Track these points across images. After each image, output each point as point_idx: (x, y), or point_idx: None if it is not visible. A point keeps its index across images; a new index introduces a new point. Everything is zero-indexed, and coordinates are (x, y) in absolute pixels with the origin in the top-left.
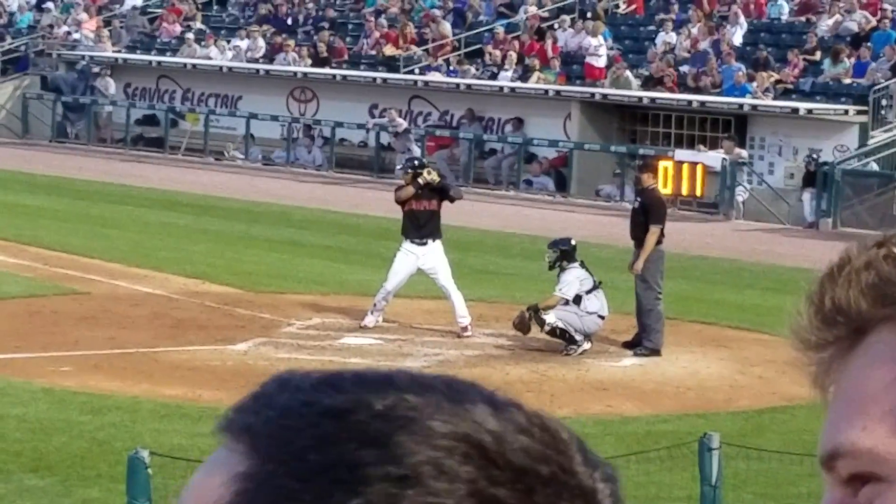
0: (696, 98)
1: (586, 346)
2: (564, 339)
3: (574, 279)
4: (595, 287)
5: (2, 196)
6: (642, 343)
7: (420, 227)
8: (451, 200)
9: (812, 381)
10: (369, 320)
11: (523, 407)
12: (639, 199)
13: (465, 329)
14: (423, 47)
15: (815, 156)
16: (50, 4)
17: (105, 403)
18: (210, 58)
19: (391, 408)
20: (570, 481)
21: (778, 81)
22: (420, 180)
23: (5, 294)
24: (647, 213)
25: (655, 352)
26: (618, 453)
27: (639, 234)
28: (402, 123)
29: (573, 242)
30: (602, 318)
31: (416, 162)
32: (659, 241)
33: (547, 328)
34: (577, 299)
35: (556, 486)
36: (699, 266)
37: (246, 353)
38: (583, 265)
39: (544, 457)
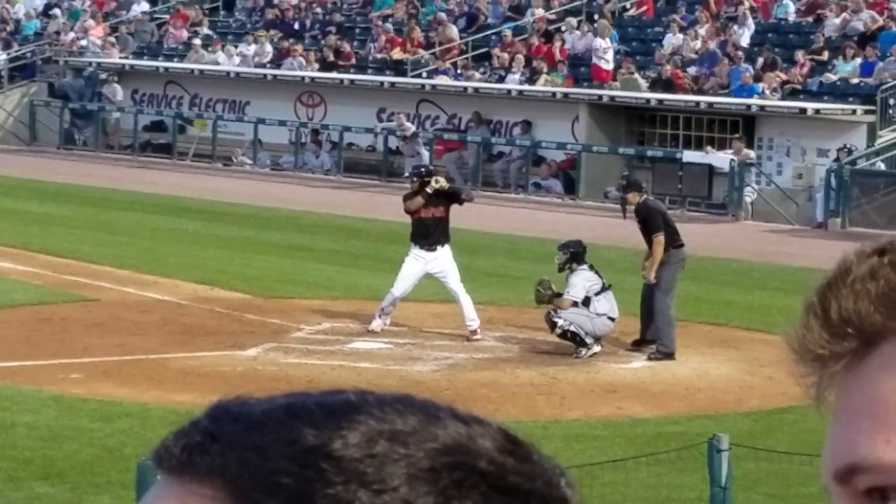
0: (703, 99)
1: (596, 348)
2: (575, 341)
3: (582, 281)
4: (604, 289)
5: (10, 203)
6: (655, 345)
7: (429, 234)
8: (462, 203)
9: (812, 393)
10: (376, 324)
11: (484, 419)
12: (636, 218)
13: (474, 333)
14: (431, 51)
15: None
16: (57, 11)
17: (115, 410)
18: (217, 63)
19: (374, 440)
20: (553, 494)
21: (785, 82)
22: (429, 189)
23: (15, 302)
24: (647, 226)
25: (669, 356)
26: (628, 455)
27: (649, 243)
28: (411, 127)
29: (583, 245)
30: (612, 319)
31: (423, 170)
32: (679, 245)
33: (558, 331)
34: (586, 301)
35: (546, 501)
36: (708, 267)
37: (255, 359)
38: (592, 268)
39: (530, 474)
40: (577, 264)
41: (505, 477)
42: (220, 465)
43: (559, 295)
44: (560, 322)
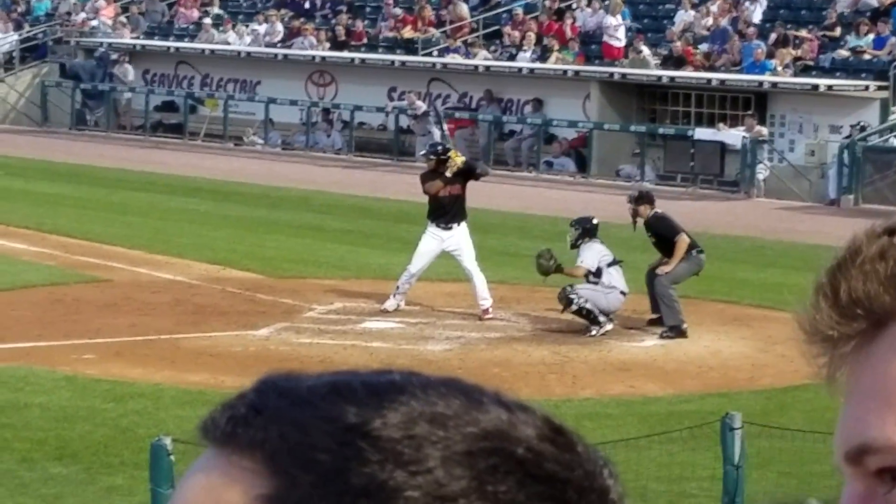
0: (715, 76)
1: (608, 326)
2: (589, 319)
3: (594, 253)
4: (614, 262)
5: (22, 184)
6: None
7: (445, 212)
8: (478, 178)
9: (822, 373)
10: (390, 303)
11: (529, 407)
12: (649, 233)
13: (486, 311)
14: (442, 29)
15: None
16: None
17: (128, 391)
18: (228, 43)
19: (416, 423)
20: (593, 484)
21: (797, 58)
22: (448, 173)
23: (27, 282)
24: (664, 236)
25: (681, 332)
26: (641, 433)
27: (665, 252)
28: (422, 106)
29: (595, 221)
30: (623, 294)
31: (439, 148)
32: (701, 251)
33: (574, 307)
34: (598, 272)
35: (585, 491)
36: (720, 245)
37: (268, 339)
38: (602, 242)
39: (570, 463)
40: (588, 239)
41: (542, 464)
42: (261, 439)
43: (560, 268)
44: (575, 299)
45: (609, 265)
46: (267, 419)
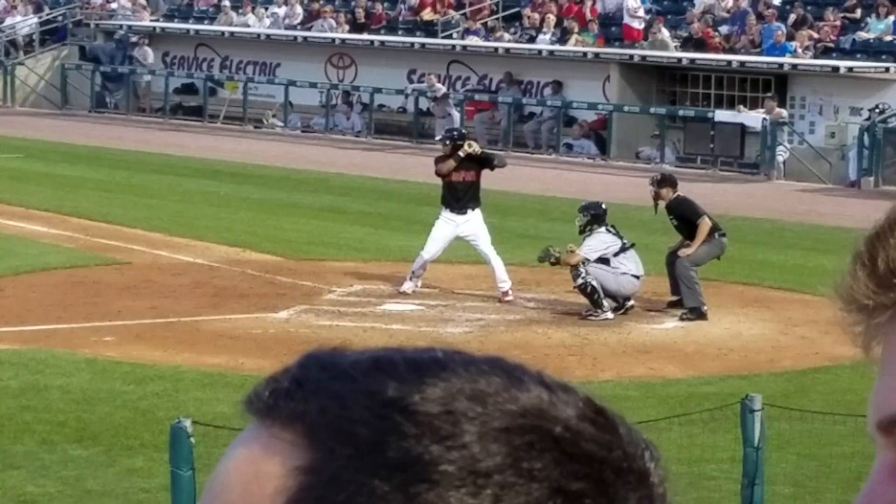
0: (735, 58)
1: (609, 315)
2: (592, 299)
3: (598, 243)
4: (624, 249)
5: (43, 167)
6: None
7: (459, 198)
8: (493, 168)
9: (858, 342)
10: (407, 286)
11: (572, 387)
12: (671, 216)
13: (505, 294)
14: (461, 11)
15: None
16: None
17: (148, 373)
18: (248, 25)
19: (456, 399)
20: (631, 466)
21: (818, 40)
22: (461, 153)
23: (47, 265)
24: (687, 219)
25: (700, 314)
26: (660, 416)
27: (687, 235)
28: (441, 88)
29: (603, 206)
30: (637, 277)
31: (455, 133)
32: (723, 234)
33: (580, 282)
34: (606, 262)
35: (623, 472)
36: (741, 227)
37: (287, 321)
38: (610, 230)
39: (608, 444)
40: (597, 226)
41: (578, 443)
42: (302, 411)
43: (558, 261)
44: (583, 274)
45: (617, 253)
46: (308, 392)
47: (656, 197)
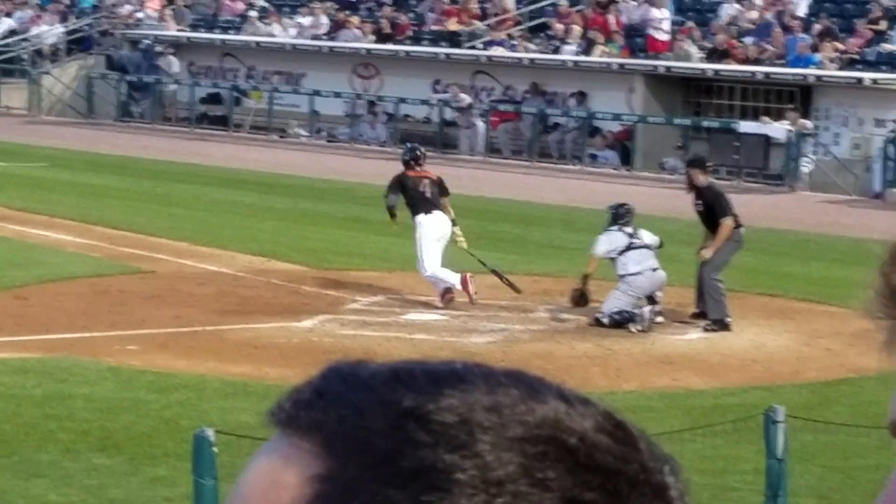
0: (760, 70)
1: (646, 310)
2: (626, 321)
3: (605, 241)
4: (632, 248)
5: (68, 176)
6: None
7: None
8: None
9: (883, 338)
10: (471, 288)
11: (592, 402)
12: (699, 201)
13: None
14: (486, 22)
15: None
16: None
17: (171, 382)
18: (273, 35)
19: (472, 409)
20: (649, 479)
21: (843, 52)
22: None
23: (72, 274)
24: (713, 209)
25: (724, 326)
26: (684, 427)
27: (711, 227)
28: (466, 99)
29: (626, 206)
30: (640, 273)
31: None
32: (739, 225)
33: (607, 322)
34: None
35: (639, 485)
36: (765, 238)
37: (311, 331)
38: (624, 229)
39: (625, 456)
40: (612, 224)
41: (593, 455)
42: (320, 421)
43: (586, 291)
44: (602, 318)
45: (624, 251)
46: (327, 403)
47: (690, 180)
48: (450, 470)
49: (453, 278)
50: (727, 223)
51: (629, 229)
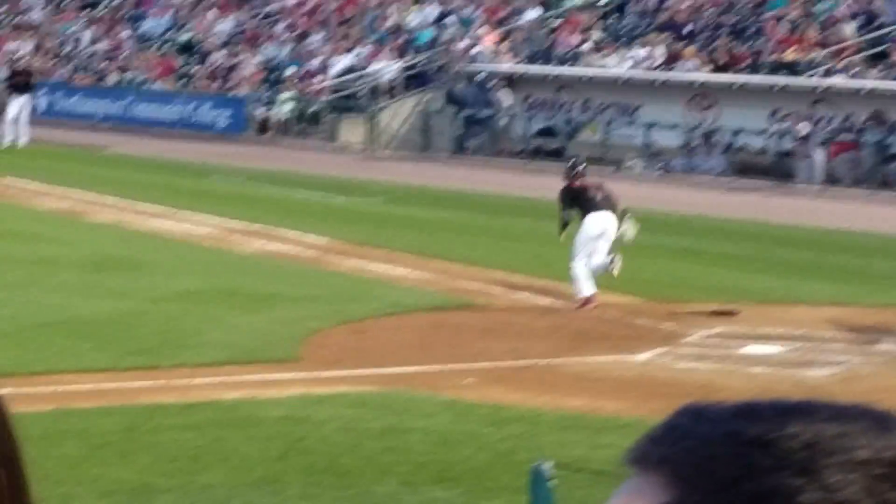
0: None
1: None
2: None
3: None
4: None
5: (405, 210)
6: None
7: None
8: None
9: None
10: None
11: None
12: None
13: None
14: (826, 50)
15: None
16: (449, 20)
17: (507, 415)
18: (608, 67)
19: (816, 436)
20: None
21: None
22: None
23: (410, 307)
24: None
25: None
26: None
27: None
28: (805, 129)
29: None
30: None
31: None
32: None
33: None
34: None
35: None
36: None
37: (647, 364)
38: None
39: None
40: None
41: None
42: (670, 454)
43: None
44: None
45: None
46: (677, 437)
47: None
48: (793, 493)
49: (588, 289)
50: None
51: None
